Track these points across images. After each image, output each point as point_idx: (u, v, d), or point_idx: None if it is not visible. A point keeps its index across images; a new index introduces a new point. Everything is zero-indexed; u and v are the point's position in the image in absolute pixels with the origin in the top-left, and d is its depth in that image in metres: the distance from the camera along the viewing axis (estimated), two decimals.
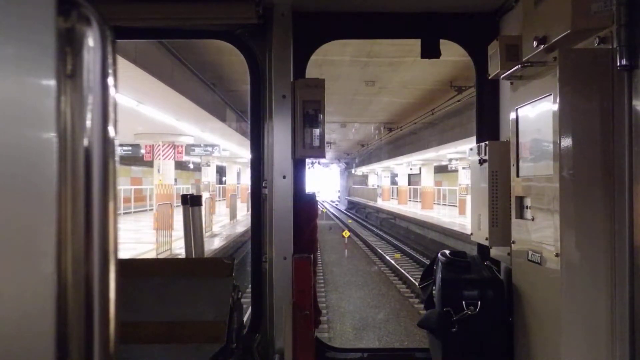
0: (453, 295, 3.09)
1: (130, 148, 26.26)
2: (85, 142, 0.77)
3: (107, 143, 0.79)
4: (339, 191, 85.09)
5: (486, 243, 3.39)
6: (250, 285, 3.86)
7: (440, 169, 44.77)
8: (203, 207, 4.56)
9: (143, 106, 14.85)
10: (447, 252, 3.41)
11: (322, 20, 3.75)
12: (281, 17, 3.47)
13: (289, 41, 3.50)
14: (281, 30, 3.48)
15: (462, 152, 27.49)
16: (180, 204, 4.32)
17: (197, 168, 41.63)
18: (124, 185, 35.65)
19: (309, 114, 3.50)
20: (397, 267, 18.46)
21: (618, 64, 2.23)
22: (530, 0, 2.78)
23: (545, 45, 2.55)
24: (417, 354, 3.81)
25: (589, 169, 2.45)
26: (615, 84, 2.35)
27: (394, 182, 57.70)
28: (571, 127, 2.46)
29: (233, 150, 30.54)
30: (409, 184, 49.58)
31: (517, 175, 3.04)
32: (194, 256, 3.94)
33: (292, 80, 3.50)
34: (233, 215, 27.51)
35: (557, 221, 2.49)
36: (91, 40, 0.77)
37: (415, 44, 3.98)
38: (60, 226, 0.75)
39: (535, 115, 2.83)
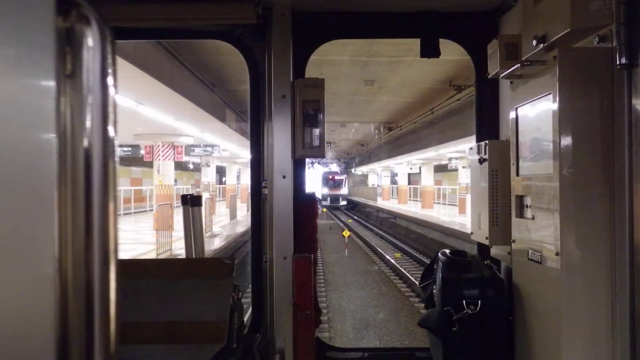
0: (453, 295, 3.09)
1: (130, 149, 26.27)
2: (85, 142, 0.77)
3: (107, 143, 0.79)
4: None
5: (486, 242, 3.39)
6: (250, 285, 3.87)
7: (440, 168, 44.77)
8: (203, 208, 4.56)
9: (142, 107, 14.86)
10: (448, 251, 3.42)
11: (321, 20, 3.75)
12: (280, 17, 3.47)
13: (289, 41, 3.50)
14: (280, 30, 3.47)
15: (462, 151, 27.49)
16: (180, 204, 4.31)
17: (197, 168, 41.63)
18: (124, 186, 35.66)
19: (308, 114, 3.50)
20: (398, 266, 18.47)
21: (618, 62, 2.24)
22: None
23: (545, 44, 2.54)
24: (418, 353, 3.81)
25: (589, 168, 2.45)
26: (615, 82, 2.35)
27: (393, 182, 57.68)
28: (571, 125, 2.46)
29: (233, 150, 30.55)
30: (409, 183, 49.58)
31: (517, 174, 3.04)
32: (194, 256, 3.94)
33: (291, 80, 3.50)
34: (233, 216, 27.51)
35: (557, 220, 2.49)
36: (90, 40, 0.77)
37: (415, 43, 3.99)
38: (61, 227, 0.75)
39: (535, 114, 2.83)
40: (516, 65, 2.86)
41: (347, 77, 17.70)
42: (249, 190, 4.29)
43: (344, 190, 61.21)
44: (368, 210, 49.00)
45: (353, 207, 57.95)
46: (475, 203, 3.67)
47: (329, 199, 59.33)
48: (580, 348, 2.46)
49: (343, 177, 62.84)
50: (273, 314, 3.49)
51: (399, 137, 35.57)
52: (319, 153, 3.56)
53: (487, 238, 3.36)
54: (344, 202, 60.32)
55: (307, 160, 4.00)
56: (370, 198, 55.14)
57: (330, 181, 60.49)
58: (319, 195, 53.65)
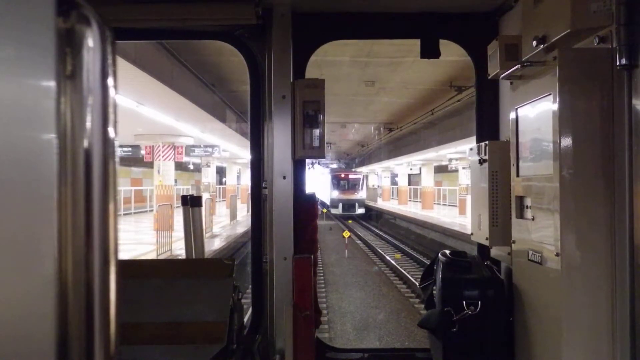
0: (453, 295, 3.09)
1: (130, 149, 26.26)
2: (85, 143, 0.77)
3: (107, 144, 0.79)
4: None
5: (486, 243, 3.39)
6: (250, 286, 3.87)
7: (440, 169, 44.70)
8: (203, 208, 4.56)
9: (143, 107, 14.86)
10: (448, 252, 3.42)
11: (321, 21, 3.75)
12: (281, 17, 3.47)
13: (289, 42, 3.50)
14: (281, 30, 3.48)
15: (462, 152, 27.50)
16: (180, 204, 4.32)
17: (197, 169, 41.56)
18: (124, 186, 35.66)
19: (308, 115, 3.50)
20: (398, 267, 18.47)
21: (618, 63, 2.24)
22: None
23: (545, 45, 2.54)
24: (418, 354, 3.81)
25: (589, 169, 2.45)
26: (615, 83, 2.35)
27: (394, 182, 57.52)
28: (571, 126, 2.46)
29: (233, 150, 30.54)
30: (409, 184, 49.42)
31: (517, 175, 3.04)
32: (194, 257, 3.94)
33: (291, 80, 3.51)
34: (233, 216, 27.51)
35: (557, 221, 2.49)
36: (91, 41, 0.77)
37: (415, 44, 3.99)
38: (61, 227, 0.75)
39: (535, 114, 2.83)
40: (516, 66, 2.86)
41: (347, 78, 17.70)
42: (249, 191, 4.29)
43: (360, 194, 44.85)
44: (368, 211, 48.73)
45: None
46: (475, 204, 3.67)
47: (340, 205, 44.20)
48: (581, 349, 2.46)
49: (359, 176, 46.61)
50: (273, 314, 3.49)
51: (399, 138, 35.56)
52: (319, 154, 3.56)
53: (487, 239, 3.36)
54: (360, 210, 44.03)
55: (307, 160, 4.01)
56: (370, 199, 54.88)
57: (342, 181, 45.08)
58: (327, 201, 46.46)
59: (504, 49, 3.01)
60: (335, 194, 44.95)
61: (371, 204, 48.88)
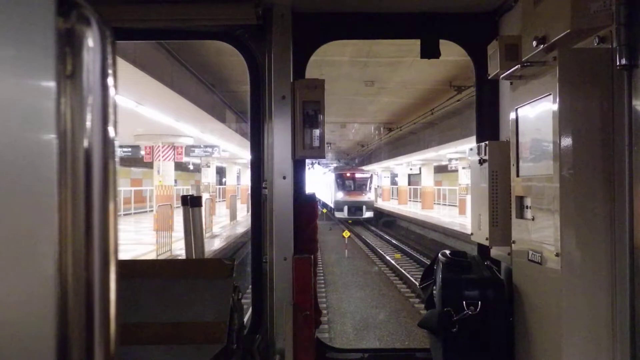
0: (453, 295, 3.09)
1: (130, 149, 26.26)
2: (85, 143, 0.77)
3: (107, 144, 0.79)
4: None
5: (486, 243, 3.39)
6: (250, 286, 3.87)
7: (440, 169, 44.70)
8: (203, 208, 4.56)
9: (142, 107, 14.85)
10: (448, 252, 3.42)
11: (321, 21, 3.75)
12: (281, 17, 3.47)
13: (289, 42, 3.50)
14: (281, 31, 3.48)
15: (462, 152, 27.49)
16: (180, 204, 4.32)
17: (197, 169, 41.50)
18: (124, 186, 35.65)
19: (308, 115, 3.50)
20: (398, 267, 18.47)
21: (618, 63, 2.24)
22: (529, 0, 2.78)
23: (545, 45, 2.54)
24: (418, 354, 3.82)
25: (589, 169, 2.45)
26: (615, 83, 2.35)
27: (394, 182, 57.53)
28: (571, 126, 2.46)
29: (233, 151, 30.54)
30: (409, 184, 49.42)
31: (517, 175, 3.04)
32: (194, 257, 3.94)
33: (291, 80, 3.51)
34: (233, 216, 27.51)
35: (557, 221, 2.49)
36: (91, 41, 0.77)
37: (415, 43, 3.99)
38: (61, 227, 0.75)
39: (535, 115, 2.83)
40: (516, 66, 2.86)
41: (347, 78, 17.70)
42: (249, 191, 4.29)
43: (368, 196, 39.50)
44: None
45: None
46: (475, 204, 3.67)
47: (346, 208, 38.81)
48: (581, 349, 2.46)
49: (367, 175, 41.10)
50: (273, 314, 3.49)
51: (399, 138, 35.55)
52: (319, 154, 3.56)
53: (487, 239, 3.36)
54: (369, 214, 38.66)
55: (307, 161, 4.01)
56: None
57: (348, 181, 39.71)
58: (330, 203, 43.09)
59: (504, 49, 3.01)
60: (340, 195, 39.46)
61: None
